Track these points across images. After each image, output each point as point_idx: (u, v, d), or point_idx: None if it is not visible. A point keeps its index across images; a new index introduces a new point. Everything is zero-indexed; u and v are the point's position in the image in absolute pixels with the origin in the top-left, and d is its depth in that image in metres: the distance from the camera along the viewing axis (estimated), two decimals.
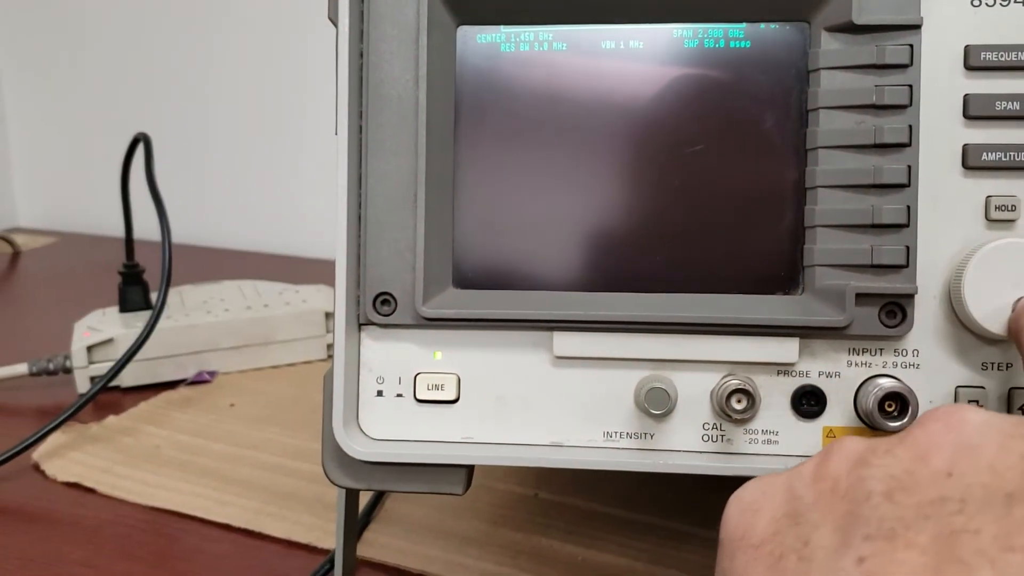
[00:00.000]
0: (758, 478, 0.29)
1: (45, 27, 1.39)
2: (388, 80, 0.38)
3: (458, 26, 0.38)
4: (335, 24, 0.37)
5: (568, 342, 0.38)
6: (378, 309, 0.38)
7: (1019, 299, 0.35)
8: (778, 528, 0.27)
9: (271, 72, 1.23)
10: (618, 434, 0.38)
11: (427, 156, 0.37)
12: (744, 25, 0.37)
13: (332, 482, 0.39)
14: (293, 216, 1.22)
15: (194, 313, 0.77)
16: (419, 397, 0.39)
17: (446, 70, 0.38)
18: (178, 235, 1.17)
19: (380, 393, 0.39)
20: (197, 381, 0.75)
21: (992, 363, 0.36)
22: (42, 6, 1.38)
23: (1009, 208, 0.36)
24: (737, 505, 0.29)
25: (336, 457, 0.39)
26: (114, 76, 1.35)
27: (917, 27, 0.36)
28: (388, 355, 0.39)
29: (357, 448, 0.38)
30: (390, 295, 0.38)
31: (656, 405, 0.36)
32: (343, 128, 0.38)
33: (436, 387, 0.39)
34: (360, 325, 0.39)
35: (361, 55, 0.38)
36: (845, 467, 0.27)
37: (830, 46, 0.36)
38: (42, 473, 0.60)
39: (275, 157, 1.25)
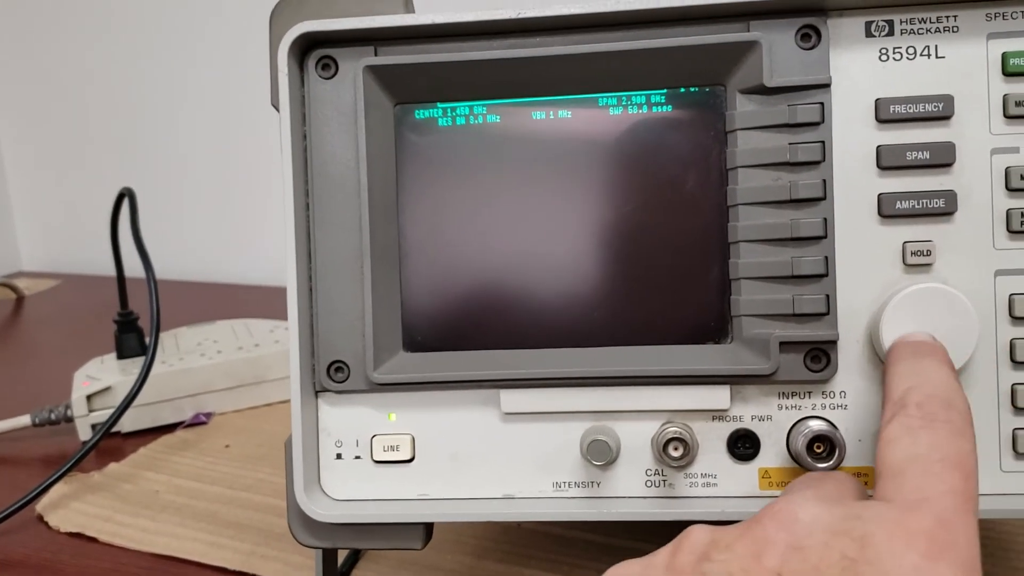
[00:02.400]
0: (620, 564, 0.31)
1: (39, 82, 1.42)
2: (331, 160, 0.40)
3: (395, 105, 0.40)
4: (277, 110, 0.39)
5: (514, 399, 0.40)
6: (332, 376, 0.40)
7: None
8: None
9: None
10: (567, 484, 0.40)
11: (371, 230, 0.39)
12: (665, 90, 0.39)
13: (298, 542, 0.41)
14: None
15: (188, 356, 0.79)
16: (376, 458, 0.41)
17: (386, 147, 0.40)
18: (176, 272, 1.20)
19: (339, 456, 0.41)
20: (194, 423, 0.77)
21: None
22: (37, 62, 1.41)
23: (924, 253, 0.37)
24: None
25: (300, 518, 0.41)
26: (109, 116, 1.37)
27: (827, 86, 0.37)
28: (345, 419, 0.41)
29: (318, 511, 0.40)
30: (343, 363, 0.40)
31: (597, 457, 0.38)
32: (289, 207, 0.39)
33: (392, 448, 0.40)
34: (316, 392, 0.41)
35: (304, 137, 0.40)
36: (690, 560, 0.28)
37: (745, 108, 0.38)
38: (46, 524, 0.62)
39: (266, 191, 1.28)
